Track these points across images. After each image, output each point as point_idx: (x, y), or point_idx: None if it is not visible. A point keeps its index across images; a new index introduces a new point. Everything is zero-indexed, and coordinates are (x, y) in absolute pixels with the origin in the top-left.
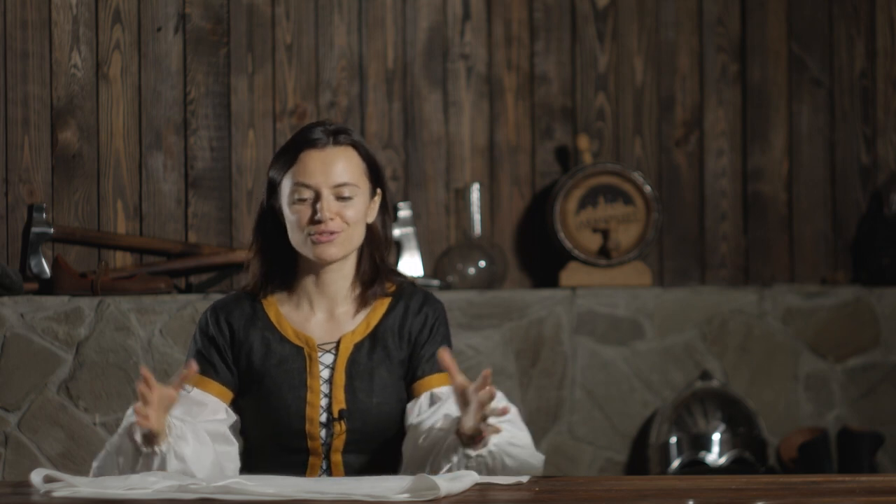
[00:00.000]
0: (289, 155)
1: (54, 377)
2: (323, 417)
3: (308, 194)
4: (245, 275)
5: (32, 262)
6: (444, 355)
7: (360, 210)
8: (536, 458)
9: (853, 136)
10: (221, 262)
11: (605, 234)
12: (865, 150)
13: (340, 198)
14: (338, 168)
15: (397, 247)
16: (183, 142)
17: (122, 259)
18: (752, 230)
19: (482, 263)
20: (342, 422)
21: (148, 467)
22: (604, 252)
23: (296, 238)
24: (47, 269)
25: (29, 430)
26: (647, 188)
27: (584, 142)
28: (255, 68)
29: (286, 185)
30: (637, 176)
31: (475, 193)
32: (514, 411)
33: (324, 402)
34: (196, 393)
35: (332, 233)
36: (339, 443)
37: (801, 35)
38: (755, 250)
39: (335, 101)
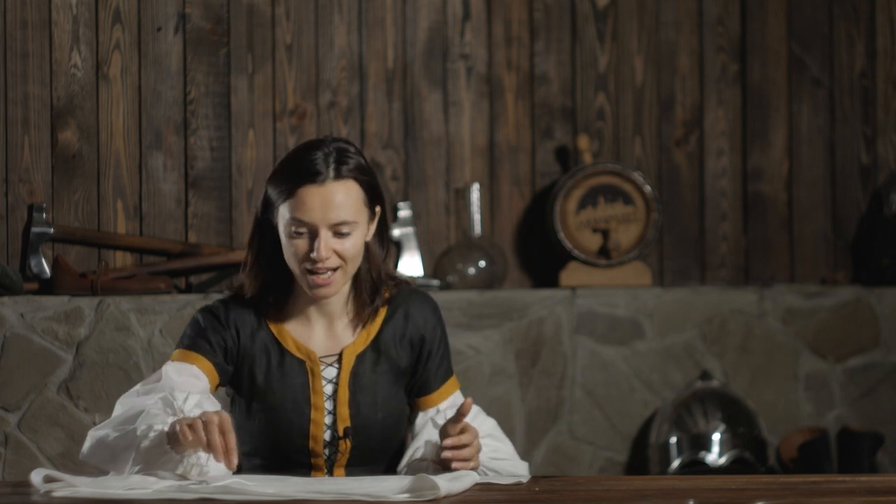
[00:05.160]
0: (287, 184)
1: (54, 377)
2: (327, 435)
3: (305, 230)
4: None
5: (32, 262)
6: (466, 406)
7: (357, 242)
8: (521, 467)
9: (853, 136)
10: (221, 262)
11: (605, 234)
12: (865, 150)
13: (338, 235)
14: (337, 205)
15: (397, 247)
16: (183, 142)
17: (122, 259)
18: (752, 230)
19: (482, 263)
20: (347, 440)
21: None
22: (604, 252)
23: (292, 267)
24: (47, 269)
25: (29, 430)
26: (647, 188)
27: (584, 142)
28: (255, 68)
29: (283, 213)
30: (637, 176)
31: (475, 193)
32: (492, 424)
33: (328, 419)
34: (194, 369)
35: (328, 269)
36: (343, 459)
37: (801, 35)
38: (755, 250)
39: (335, 101)
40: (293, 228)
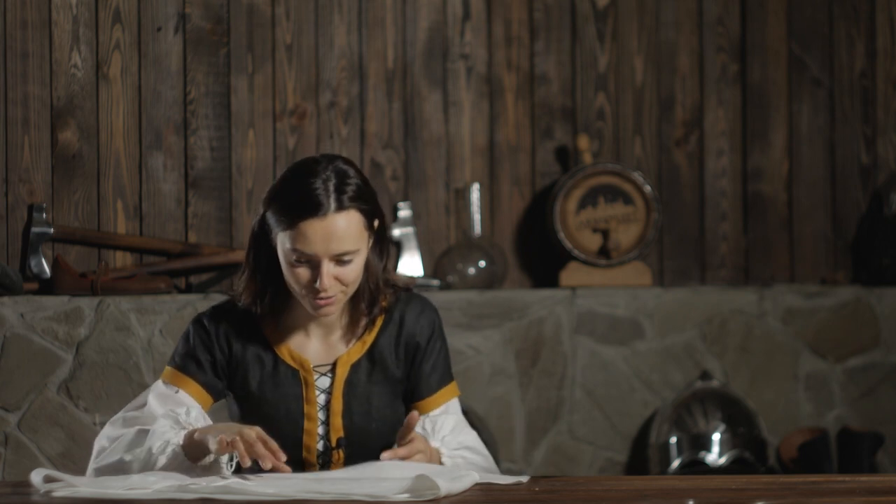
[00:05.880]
0: (288, 217)
1: (54, 377)
2: (320, 445)
3: (307, 260)
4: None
5: (32, 262)
6: (412, 419)
7: (358, 266)
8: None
9: (853, 136)
10: (221, 262)
11: (605, 234)
12: (865, 150)
13: (340, 263)
14: (339, 237)
15: (397, 247)
16: (183, 142)
17: (122, 259)
18: (752, 230)
19: (482, 263)
20: (340, 450)
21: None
22: (604, 252)
23: (293, 290)
24: (47, 269)
25: (29, 430)
26: (647, 188)
27: (584, 142)
28: (255, 68)
29: (283, 241)
30: (637, 176)
31: (475, 193)
32: (472, 437)
33: (321, 429)
34: (181, 395)
35: (330, 296)
36: (336, 469)
37: (801, 35)
38: (755, 250)
39: (335, 101)
40: (294, 258)
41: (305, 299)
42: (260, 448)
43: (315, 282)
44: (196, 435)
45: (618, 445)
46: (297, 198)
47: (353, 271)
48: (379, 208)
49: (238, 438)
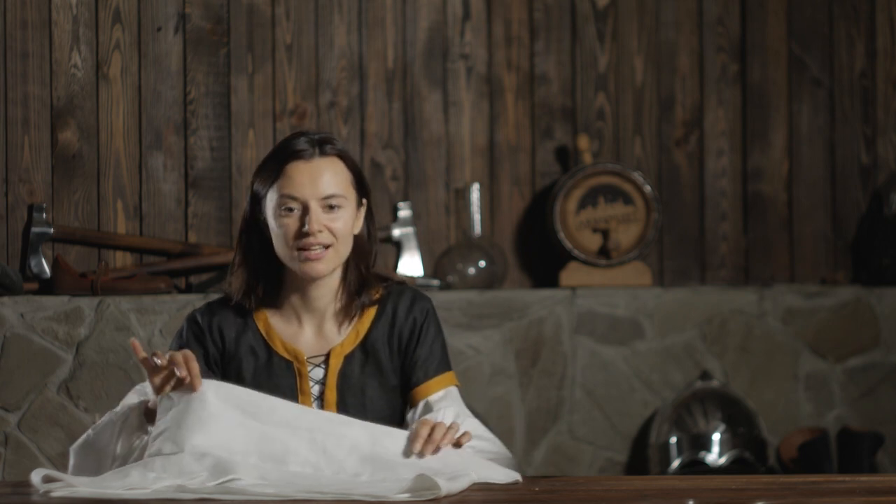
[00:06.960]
0: (274, 167)
1: (54, 377)
2: None
3: (295, 207)
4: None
5: (32, 262)
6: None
7: (347, 222)
8: (506, 466)
9: (853, 136)
10: (221, 262)
11: (605, 234)
12: (865, 150)
13: (328, 210)
14: (325, 179)
15: (397, 247)
16: (183, 142)
17: (122, 259)
18: (752, 230)
19: (482, 263)
20: None
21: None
22: (604, 252)
23: (282, 252)
24: (47, 269)
25: (29, 430)
26: (647, 188)
27: (584, 142)
28: (255, 68)
29: (272, 198)
30: (637, 176)
31: (475, 193)
32: (476, 423)
33: None
34: None
35: (321, 246)
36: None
37: (801, 35)
38: (755, 250)
39: (335, 101)
40: (283, 208)
41: (295, 258)
42: (178, 357)
43: (304, 227)
44: (150, 402)
45: (618, 445)
46: (281, 151)
47: (343, 224)
48: (367, 185)
49: (159, 353)
